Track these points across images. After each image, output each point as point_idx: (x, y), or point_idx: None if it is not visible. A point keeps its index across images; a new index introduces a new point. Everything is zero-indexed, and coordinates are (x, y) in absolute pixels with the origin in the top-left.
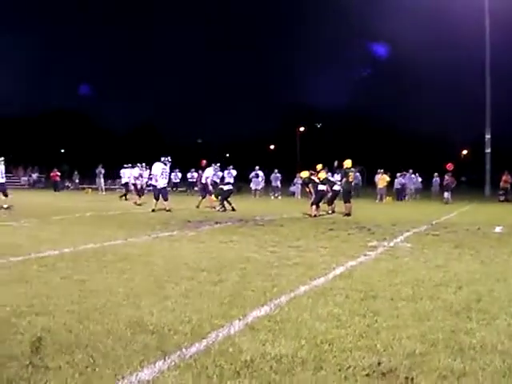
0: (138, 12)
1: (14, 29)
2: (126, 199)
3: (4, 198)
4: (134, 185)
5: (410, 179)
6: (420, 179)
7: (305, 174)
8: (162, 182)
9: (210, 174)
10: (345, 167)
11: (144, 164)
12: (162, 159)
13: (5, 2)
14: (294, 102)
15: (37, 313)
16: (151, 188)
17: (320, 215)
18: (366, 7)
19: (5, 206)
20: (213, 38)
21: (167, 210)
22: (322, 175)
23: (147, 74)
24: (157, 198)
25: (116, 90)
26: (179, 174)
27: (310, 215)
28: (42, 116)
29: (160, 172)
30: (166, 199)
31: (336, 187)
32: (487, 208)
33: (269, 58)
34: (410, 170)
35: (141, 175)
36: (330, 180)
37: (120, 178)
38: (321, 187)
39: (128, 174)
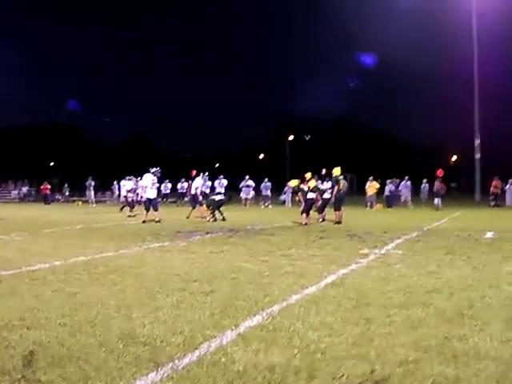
0: (128, 25)
1: (3, 41)
2: (130, 211)
3: None
4: (125, 197)
5: (406, 186)
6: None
7: (294, 182)
8: (151, 193)
9: (199, 184)
10: (334, 175)
11: (139, 178)
12: (152, 170)
13: None
14: (284, 111)
15: (28, 326)
16: (143, 200)
17: (310, 223)
18: (356, 17)
19: None
20: (204, 50)
21: (157, 221)
22: (312, 183)
23: (137, 86)
24: (147, 210)
25: (106, 102)
26: (169, 185)
27: (301, 224)
28: (32, 129)
29: (150, 183)
30: (156, 210)
31: (326, 195)
32: (478, 214)
33: (259, 67)
34: (406, 177)
35: (134, 189)
36: (319, 188)
37: (113, 190)
38: (310, 195)
39: (128, 187)
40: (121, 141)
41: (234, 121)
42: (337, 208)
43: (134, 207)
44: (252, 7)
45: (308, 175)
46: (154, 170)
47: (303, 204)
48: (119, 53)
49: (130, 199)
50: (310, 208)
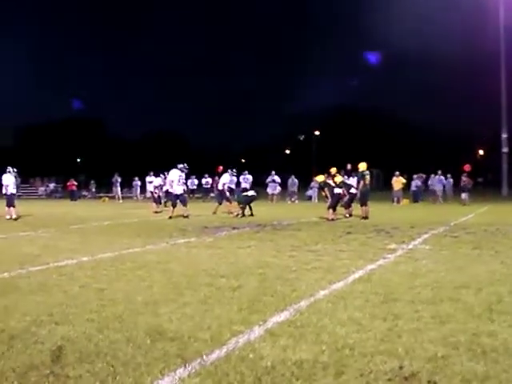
0: (154, 19)
1: (30, 36)
2: (165, 206)
3: (10, 209)
4: (152, 193)
5: (440, 181)
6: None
7: (320, 178)
8: (179, 189)
9: (226, 180)
10: (360, 170)
11: (167, 174)
12: (179, 166)
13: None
14: (309, 106)
15: (56, 322)
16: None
17: (337, 219)
18: (372, 6)
19: (14, 216)
20: (229, 43)
21: (185, 217)
22: (338, 179)
23: (162, 80)
24: (174, 206)
25: (131, 97)
26: (195, 181)
27: (328, 219)
28: (59, 125)
29: (177, 179)
30: (184, 205)
31: (352, 190)
32: (505, 208)
33: (285, 61)
34: (439, 172)
35: (161, 186)
36: (346, 183)
37: (135, 187)
38: (337, 190)
39: (156, 183)
40: (147, 137)
41: (260, 116)
42: (363, 203)
43: (160, 203)
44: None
45: (333, 170)
46: (181, 165)
47: (330, 199)
48: (143, 47)
49: (156, 195)
50: (337, 203)
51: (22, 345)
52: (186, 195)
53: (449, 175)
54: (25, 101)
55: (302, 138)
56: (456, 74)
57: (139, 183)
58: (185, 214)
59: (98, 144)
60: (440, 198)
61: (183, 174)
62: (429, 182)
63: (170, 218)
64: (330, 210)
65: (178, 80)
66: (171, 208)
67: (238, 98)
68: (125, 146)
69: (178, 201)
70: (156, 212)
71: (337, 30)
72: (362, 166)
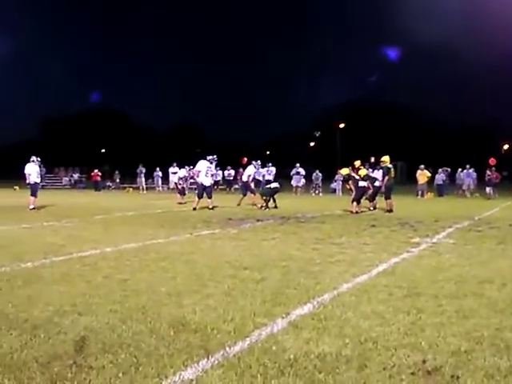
0: (177, 11)
1: (55, 28)
2: (181, 198)
3: (33, 198)
4: (176, 184)
5: (469, 175)
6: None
7: (345, 170)
8: (206, 181)
9: (251, 171)
10: (385, 163)
11: (191, 167)
12: (209, 158)
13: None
14: (332, 98)
15: (80, 312)
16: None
17: (362, 212)
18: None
19: (31, 206)
20: (251, 36)
21: (210, 208)
22: (363, 172)
23: (187, 72)
24: (200, 197)
25: (155, 89)
26: (220, 173)
27: (352, 212)
28: (83, 116)
29: (205, 170)
30: (210, 197)
31: (377, 183)
32: None
33: (308, 53)
34: (467, 166)
35: (186, 177)
36: (370, 176)
37: (156, 177)
38: (361, 184)
39: (181, 174)
40: (170, 128)
41: (284, 108)
42: (387, 196)
43: (184, 194)
44: None
45: (357, 163)
46: (210, 157)
47: (354, 192)
48: (168, 40)
49: (180, 186)
50: (362, 196)
51: (45, 335)
52: (212, 187)
53: (472, 169)
54: (52, 93)
55: (317, 135)
56: (481, 67)
57: (160, 174)
58: (210, 206)
59: (122, 135)
60: (467, 192)
61: (212, 166)
62: (456, 176)
63: (195, 209)
64: (354, 203)
65: (201, 71)
66: (196, 199)
67: (261, 89)
68: (149, 137)
69: (204, 192)
70: (180, 203)
71: (355, 25)
72: (386, 159)
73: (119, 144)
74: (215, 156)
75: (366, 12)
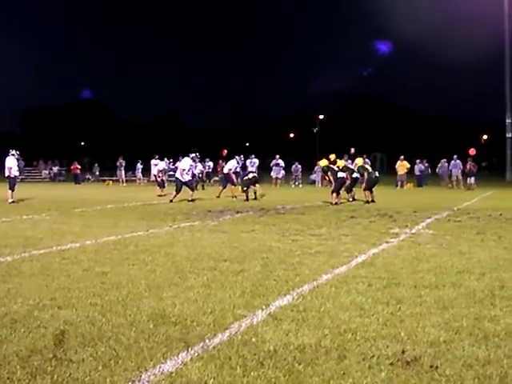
0: (156, 2)
1: (34, 18)
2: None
3: (11, 192)
4: (155, 176)
5: (456, 165)
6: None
7: (324, 162)
8: (186, 178)
9: (232, 165)
10: (359, 165)
11: (171, 160)
12: (192, 156)
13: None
14: (311, 89)
15: (59, 306)
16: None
17: (341, 203)
18: None
19: (10, 200)
20: (233, 25)
21: (190, 201)
22: (341, 163)
23: (166, 62)
24: (178, 191)
25: (135, 79)
26: (199, 165)
27: (331, 203)
28: (62, 108)
29: (188, 168)
30: (192, 189)
31: (355, 174)
32: (509, 193)
33: (289, 45)
34: (455, 156)
35: (165, 170)
36: (349, 167)
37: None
38: (340, 174)
39: (160, 167)
40: (150, 120)
41: (263, 99)
42: (367, 188)
43: (164, 187)
44: None
45: (332, 156)
46: (193, 155)
47: (333, 184)
48: (148, 31)
49: (159, 179)
50: (341, 187)
51: (24, 329)
52: (193, 181)
53: (458, 160)
54: (31, 85)
55: (315, 131)
56: (462, 61)
57: (141, 166)
58: (189, 199)
59: (102, 127)
60: (455, 183)
61: (194, 164)
62: (438, 166)
63: (171, 201)
64: (334, 194)
65: (185, 60)
66: (174, 193)
67: (242, 78)
68: (130, 129)
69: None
70: (160, 195)
71: (343, 17)
72: (359, 162)
73: (99, 136)
74: (197, 154)
75: (353, 4)
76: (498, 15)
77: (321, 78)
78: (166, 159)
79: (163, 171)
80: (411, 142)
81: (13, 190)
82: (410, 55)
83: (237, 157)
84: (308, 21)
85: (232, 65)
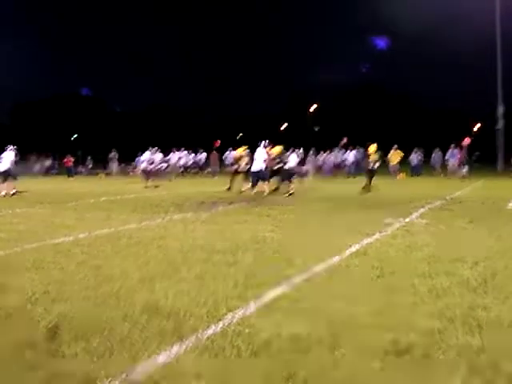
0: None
1: (30, 14)
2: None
3: (4, 184)
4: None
5: (453, 155)
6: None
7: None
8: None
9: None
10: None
11: (156, 148)
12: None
13: None
14: (303, 80)
15: (53, 299)
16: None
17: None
18: None
19: (2, 193)
20: (223, 18)
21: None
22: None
23: (157, 51)
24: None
25: (129, 72)
26: (191, 156)
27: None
28: (54, 101)
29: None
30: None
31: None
32: (500, 183)
33: (281, 35)
34: (452, 145)
35: (150, 160)
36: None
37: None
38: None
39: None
40: (141, 110)
41: (257, 90)
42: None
43: (149, 178)
44: None
45: (276, 149)
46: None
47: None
48: (139, 23)
49: (148, 169)
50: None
51: (18, 323)
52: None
53: (456, 149)
54: (22, 78)
55: (316, 129)
56: (453, 51)
57: (117, 156)
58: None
59: (94, 119)
60: (451, 172)
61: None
62: (432, 156)
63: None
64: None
65: (176, 51)
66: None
67: (236, 70)
68: (124, 120)
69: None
70: (146, 187)
71: (337, 15)
72: (276, 150)
73: (91, 129)
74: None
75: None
76: (491, 6)
77: (313, 70)
78: (150, 148)
79: (149, 161)
80: (404, 132)
81: (3, 183)
82: (404, 48)
83: (230, 149)
84: (297, 14)
85: (226, 57)
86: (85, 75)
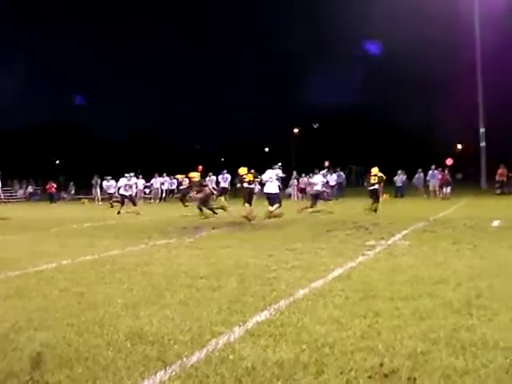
0: (133, 20)
1: (8, 40)
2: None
3: None
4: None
5: (433, 176)
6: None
7: (243, 170)
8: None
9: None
10: (240, 174)
11: (132, 174)
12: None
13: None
14: (287, 104)
15: (36, 327)
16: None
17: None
18: (361, 8)
19: None
20: (209, 40)
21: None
22: (250, 176)
23: (143, 79)
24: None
25: (111, 97)
26: (174, 181)
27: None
28: (37, 128)
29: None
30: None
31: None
32: (484, 201)
33: (265, 59)
34: (433, 166)
35: (128, 186)
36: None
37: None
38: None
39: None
40: (126, 137)
41: (241, 115)
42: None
43: (123, 204)
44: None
45: (243, 170)
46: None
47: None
48: (127, 47)
49: (127, 194)
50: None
51: (0, 352)
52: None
53: (436, 170)
54: (3, 104)
55: (315, 126)
56: (433, 70)
57: (99, 181)
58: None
59: (77, 145)
60: (432, 193)
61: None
62: (415, 177)
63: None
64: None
65: (161, 78)
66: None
67: (220, 95)
68: (105, 146)
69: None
70: (119, 213)
71: (322, 28)
72: (242, 171)
73: (74, 155)
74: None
75: (324, 20)
76: (471, 30)
77: (296, 93)
78: (126, 175)
79: (126, 186)
80: (387, 154)
81: None
82: (385, 70)
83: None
84: (281, 33)
85: (209, 82)
86: (70, 103)
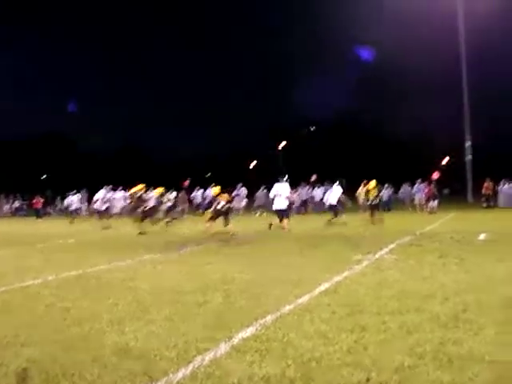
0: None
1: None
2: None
3: None
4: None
5: (419, 189)
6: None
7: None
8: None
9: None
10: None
11: (110, 186)
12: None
13: None
14: (273, 116)
15: (22, 343)
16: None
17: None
18: (350, 15)
19: None
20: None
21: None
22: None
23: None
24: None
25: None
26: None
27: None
28: (23, 141)
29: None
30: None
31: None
32: (470, 215)
33: (249, 70)
34: (418, 180)
35: (106, 199)
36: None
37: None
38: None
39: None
40: (111, 151)
41: (226, 127)
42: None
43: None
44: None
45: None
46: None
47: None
48: (120, 48)
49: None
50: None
51: None
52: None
53: (422, 184)
54: None
55: (312, 129)
56: (417, 83)
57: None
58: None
59: (64, 159)
60: (418, 207)
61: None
62: (400, 191)
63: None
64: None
65: (144, 91)
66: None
67: (206, 107)
68: (92, 160)
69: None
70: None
71: (310, 35)
72: (215, 192)
73: (61, 169)
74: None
75: (313, 27)
76: (456, 41)
77: (283, 105)
78: (105, 186)
79: (103, 199)
80: (373, 167)
81: None
82: (366, 79)
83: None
84: (267, 43)
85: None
86: (57, 115)
